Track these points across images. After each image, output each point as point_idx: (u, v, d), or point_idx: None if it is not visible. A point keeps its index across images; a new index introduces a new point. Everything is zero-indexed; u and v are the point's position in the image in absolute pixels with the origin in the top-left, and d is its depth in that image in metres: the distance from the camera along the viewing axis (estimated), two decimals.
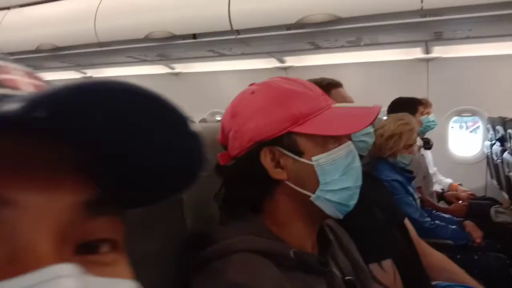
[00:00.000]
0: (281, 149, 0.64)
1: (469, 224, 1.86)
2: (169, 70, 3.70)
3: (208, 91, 3.76)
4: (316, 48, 2.67)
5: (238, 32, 2.39)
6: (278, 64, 3.16)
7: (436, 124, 2.30)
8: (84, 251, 0.25)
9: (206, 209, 0.72)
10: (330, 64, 2.98)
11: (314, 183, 0.64)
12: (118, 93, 0.21)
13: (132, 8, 2.70)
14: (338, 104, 0.70)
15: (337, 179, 0.64)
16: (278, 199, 0.66)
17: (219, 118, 3.72)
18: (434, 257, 1.27)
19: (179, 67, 3.65)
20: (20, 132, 0.21)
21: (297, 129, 0.64)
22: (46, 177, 0.23)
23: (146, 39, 2.70)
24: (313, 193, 0.64)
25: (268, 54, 2.89)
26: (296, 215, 0.66)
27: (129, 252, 0.29)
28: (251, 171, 0.65)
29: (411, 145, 1.72)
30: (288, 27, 2.27)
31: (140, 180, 0.28)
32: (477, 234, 1.78)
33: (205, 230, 0.66)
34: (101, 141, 0.24)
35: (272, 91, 0.67)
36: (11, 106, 0.19)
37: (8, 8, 3.31)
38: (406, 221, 1.31)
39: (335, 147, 0.64)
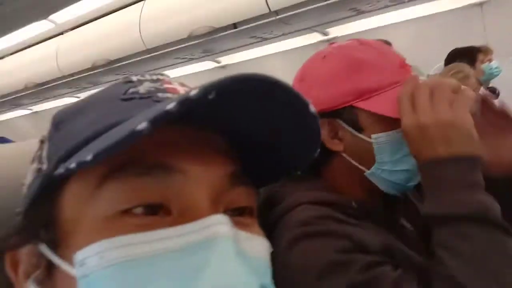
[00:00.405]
0: (341, 122, 0.63)
1: None
2: (216, 64, 3.78)
3: None
4: (359, 13, 2.60)
5: (276, 12, 2.39)
6: (322, 38, 3.11)
7: (500, 71, 2.16)
8: (229, 214, 0.31)
9: None
10: (375, 27, 2.88)
11: (370, 160, 0.62)
12: (253, 83, 0.28)
13: (172, 9, 2.79)
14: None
15: (395, 160, 0.61)
16: (335, 168, 0.66)
17: None
18: None
19: (225, 60, 3.71)
20: (186, 124, 0.31)
21: (360, 104, 0.61)
22: (205, 155, 0.31)
23: (190, 37, 2.79)
24: (368, 169, 0.62)
25: (310, 29, 2.85)
26: (353, 185, 0.65)
27: None
28: None
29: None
30: None
31: (272, 158, 0.36)
32: None
33: (271, 191, 0.68)
34: (241, 127, 0.32)
35: (342, 59, 0.64)
36: (173, 103, 0.25)
37: (61, 33, 3.56)
38: None
39: (398, 129, 0.59)
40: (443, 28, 2.81)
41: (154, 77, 0.36)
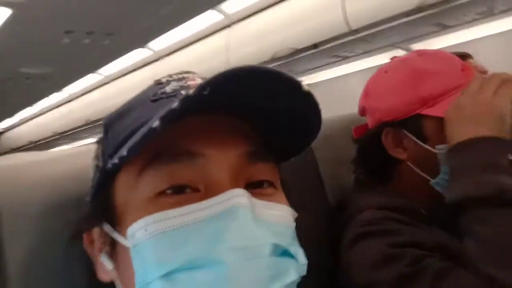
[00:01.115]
0: (405, 132, 0.65)
1: None
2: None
3: (339, 96, 3.79)
4: (444, 28, 2.51)
5: (356, 31, 2.42)
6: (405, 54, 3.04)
7: None
8: (251, 188, 0.37)
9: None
10: (461, 42, 2.75)
11: (435, 169, 0.63)
12: (255, 73, 0.32)
13: (255, 34, 2.95)
14: None
15: None
16: (401, 175, 0.69)
17: None
18: None
19: (306, 80, 3.78)
20: (210, 112, 0.36)
21: (425, 111, 0.63)
22: (225, 138, 0.38)
23: (272, 59, 2.91)
24: (433, 178, 0.63)
25: (392, 46, 2.81)
26: (419, 192, 0.67)
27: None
28: (370, 148, 0.70)
29: None
30: (408, 13, 2.20)
31: (280, 133, 0.41)
32: None
33: (343, 196, 0.73)
34: (253, 110, 0.37)
35: (403, 71, 0.67)
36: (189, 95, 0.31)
37: (229, 26, 3.37)
38: None
39: None
40: None
41: (180, 76, 0.42)
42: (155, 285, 0.33)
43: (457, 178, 0.56)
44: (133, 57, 3.76)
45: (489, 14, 2.30)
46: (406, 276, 0.52)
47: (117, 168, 0.37)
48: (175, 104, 0.30)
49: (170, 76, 0.42)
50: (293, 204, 0.42)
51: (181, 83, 0.40)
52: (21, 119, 6.41)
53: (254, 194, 0.36)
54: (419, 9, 2.14)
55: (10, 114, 5.73)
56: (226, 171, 0.36)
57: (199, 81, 0.41)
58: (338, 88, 3.69)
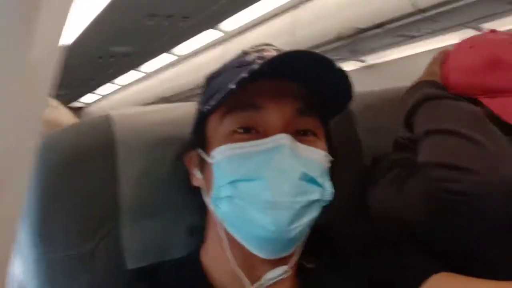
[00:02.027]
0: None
1: None
2: (362, 64, 3.87)
3: (405, 78, 3.71)
4: None
5: (422, 10, 2.40)
6: (477, 33, 2.92)
7: None
8: (298, 135, 0.54)
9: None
10: None
11: None
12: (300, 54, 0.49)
13: (322, 13, 3.01)
14: None
15: None
16: None
17: None
18: None
19: (371, 59, 3.77)
20: (274, 77, 0.52)
21: (484, 100, 0.67)
22: (282, 97, 0.53)
23: (337, 38, 2.96)
24: None
25: (462, 25, 2.74)
26: None
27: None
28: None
29: None
30: None
31: (323, 97, 0.55)
32: None
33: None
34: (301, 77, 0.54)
35: (484, 55, 0.69)
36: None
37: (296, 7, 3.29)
38: None
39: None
40: None
41: (260, 48, 0.58)
42: (225, 188, 0.51)
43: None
44: (205, 38, 3.99)
45: None
46: None
47: (209, 112, 0.55)
48: (244, 74, 0.47)
49: (252, 47, 0.59)
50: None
51: (259, 54, 0.56)
52: (103, 95, 6.95)
53: (298, 139, 0.52)
54: None
55: (94, 89, 6.26)
56: (280, 120, 0.52)
57: (274, 53, 0.55)
58: (403, 69, 3.64)
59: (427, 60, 2.85)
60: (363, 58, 3.69)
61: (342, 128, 0.86)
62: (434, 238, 0.61)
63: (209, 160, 0.54)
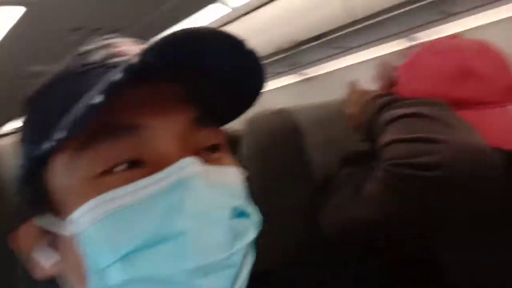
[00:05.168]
0: None
1: None
2: (301, 77, 3.87)
3: (344, 88, 3.78)
4: (448, 16, 2.50)
5: (358, 21, 2.42)
6: (410, 43, 3.03)
7: None
8: (202, 154, 0.36)
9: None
10: (466, 30, 2.73)
11: None
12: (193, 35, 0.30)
13: (261, 26, 2.96)
14: None
15: None
16: None
17: None
18: None
19: (311, 72, 3.79)
20: (142, 81, 0.33)
21: (456, 111, 0.59)
22: (167, 107, 0.35)
23: (276, 52, 2.93)
24: None
25: (396, 35, 2.81)
26: None
27: None
28: None
29: None
30: (411, 1, 2.20)
31: (224, 95, 0.38)
32: None
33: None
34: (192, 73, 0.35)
35: (452, 62, 0.63)
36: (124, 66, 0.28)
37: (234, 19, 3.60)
38: None
39: None
40: None
41: (104, 43, 0.39)
42: (113, 270, 0.30)
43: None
44: None
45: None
46: None
47: (49, 152, 0.33)
48: (117, 75, 0.28)
49: (91, 44, 0.39)
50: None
51: (107, 51, 0.37)
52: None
53: (204, 160, 0.35)
54: None
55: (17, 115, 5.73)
56: (174, 140, 0.34)
57: (125, 47, 0.38)
58: (343, 79, 3.68)
59: (365, 70, 2.92)
60: (303, 71, 3.69)
61: (289, 145, 0.80)
62: (393, 245, 0.54)
63: (65, 231, 0.33)
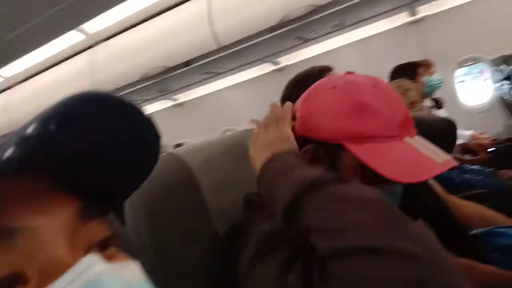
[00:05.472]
0: (323, 155, 0.63)
1: (503, 172, 1.84)
2: (173, 102, 3.79)
3: (216, 112, 3.81)
4: (305, 41, 2.70)
5: (226, 48, 2.45)
6: (274, 67, 3.20)
7: (441, 82, 2.27)
8: (93, 251, 0.30)
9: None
10: (323, 52, 3.00)
11: None
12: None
13: (125, 52, 2.80)
14: (415, 142, 0.61)
15: None
16: None
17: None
18: (466, 208, 1.24)
19: (182, 97, 3.73)
20: (15, 177, 0.27)
21: (351, 146, 0.60)
22: (46, 201, 0.29)
23: (143, 79, 2.79)
24: None
25: (261, 60, 2.93)
26: None
27: None
28: None
29: (412, 104, 1.82)
30: (272, 28, 2.31)
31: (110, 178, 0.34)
32: None
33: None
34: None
35: (348, 97, 0.63)
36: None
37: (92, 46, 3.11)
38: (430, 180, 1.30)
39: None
40: (386, 47, 2.96)
41: None
42: None
43: (269, 196, 0.56)
44: None
45: (342, 26, 2.54)
46: None
47: None
48: (8, 151, 0.23)
49: None
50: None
51: None
52: None
53: (103, 258, 0.29)
54: (281, 24, 2.26)
55: None
56: (61, 240, 0.28)
57: None
58: (213, 103, 3.72)
59: (232, 93, 2.97)
60: (173, 96, 3.62)
61: (182, 188, 0.72)
62: None
63: None
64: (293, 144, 0.62)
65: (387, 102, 0.62)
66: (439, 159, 0.58)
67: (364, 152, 0.59)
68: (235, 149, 0.84)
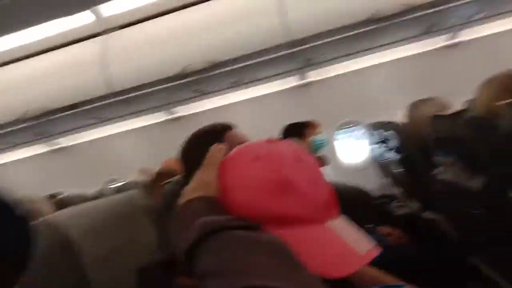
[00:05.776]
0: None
1: (382, 228, 1.97)
2: (53, 147, 3.43)
3: (101, 159, 3.55)
4: (203, 94, 2.71)
5: (118, 93, 2.34)
6: (169, 117, 3.13)
7: (325, 142, 2.42)
8: None
9: None
10: (221, 105, 3.04)
11: None
12: None
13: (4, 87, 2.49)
14: (338, 225, 0.59)
15: None
16: None
17: (117, 184, 3.46)
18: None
19: (64, 141, 3.41)
20: None
21: (274, 230, 0.53)
22: None
23: (21, 120, 2.49)
24: None
25: (155, 109, 2.85)
26: None
27: None
28: None
29: None
30: (169, 79, 2.28)
31: None
32: (395, 233, 1.89)
33: None
34: None
35: (273, 174, 0.57)
36: None
37: None
38: None
39: None
40: (278, 106, 3.14)
41: None
42: None
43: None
44: None
45: (239, 84, 2.62)
46: None
47: None
48: None
49: None
50: None
51: None
52: None
53: None
54: (181, 75, 2.24)
55: None
56: None
57: None
58: (100, 149, 3.46)
59: (122, 140, 2.81)
60: (55, 140, 3.29)
61: (62, 266, 0.62)
62: None
63: None
64: (212, 191, 0.58)
65: (311, 181, 0.59)
66: (362, 248, 0.56)
67: (287, 238, 0.53)
68: (124, 210, 0.76)
